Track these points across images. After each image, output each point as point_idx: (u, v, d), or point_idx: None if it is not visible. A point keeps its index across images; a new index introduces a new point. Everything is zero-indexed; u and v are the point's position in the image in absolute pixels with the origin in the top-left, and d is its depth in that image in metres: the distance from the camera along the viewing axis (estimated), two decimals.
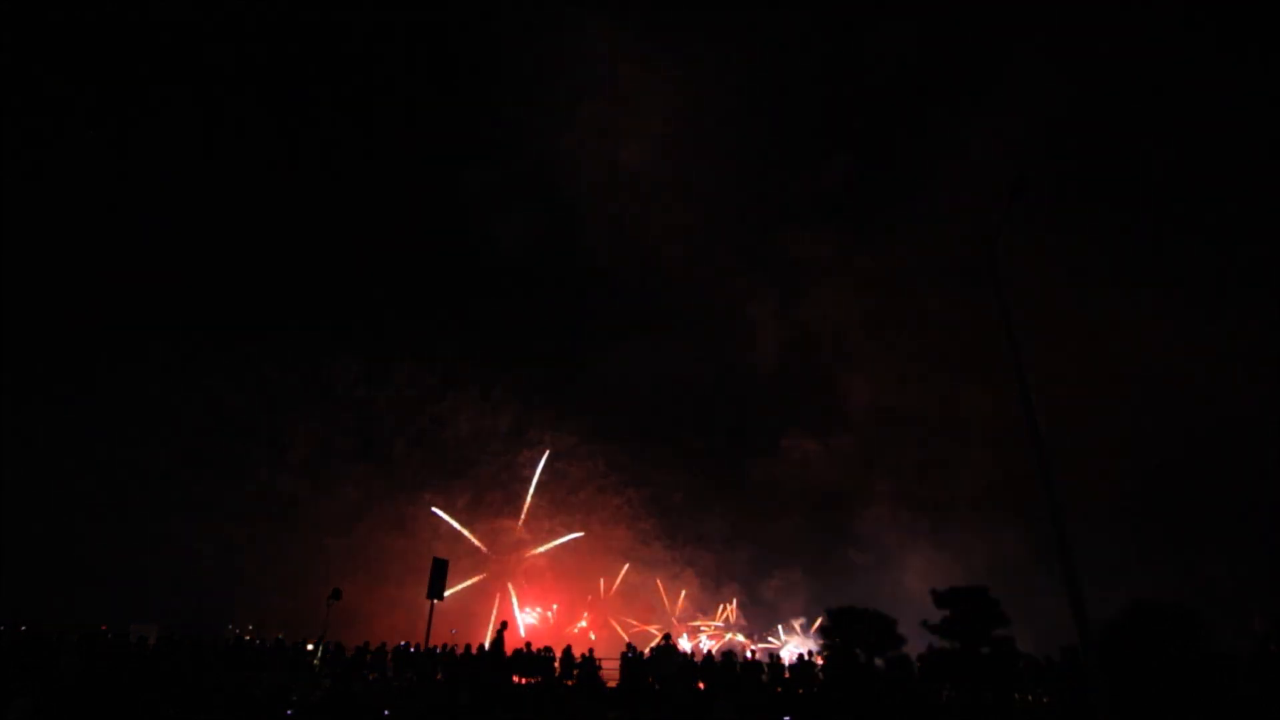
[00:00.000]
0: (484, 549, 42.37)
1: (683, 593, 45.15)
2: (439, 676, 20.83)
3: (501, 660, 21.64)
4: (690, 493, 49.58)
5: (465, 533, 42.22)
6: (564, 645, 23.69)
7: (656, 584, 44.95)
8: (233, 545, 42.47)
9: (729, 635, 43.68)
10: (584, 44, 58.61)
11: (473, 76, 60.13)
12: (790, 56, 57.21)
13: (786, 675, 21.37)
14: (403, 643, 24.48)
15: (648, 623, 43.34)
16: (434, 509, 42.52)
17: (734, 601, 45.21)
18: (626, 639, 35.02)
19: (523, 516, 43.66)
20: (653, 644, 28.19)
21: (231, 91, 54.69)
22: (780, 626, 43.88)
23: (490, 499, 44.01)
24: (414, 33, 59.50)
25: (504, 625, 21.19)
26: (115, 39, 49.33)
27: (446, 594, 17.05)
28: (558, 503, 45.72)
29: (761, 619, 44.51)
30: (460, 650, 22.08)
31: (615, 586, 44.35)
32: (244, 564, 42.02)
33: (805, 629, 42.57)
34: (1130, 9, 45.24)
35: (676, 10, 60.33)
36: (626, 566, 44.78)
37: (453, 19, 60.22)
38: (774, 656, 22.51)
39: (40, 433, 43.77)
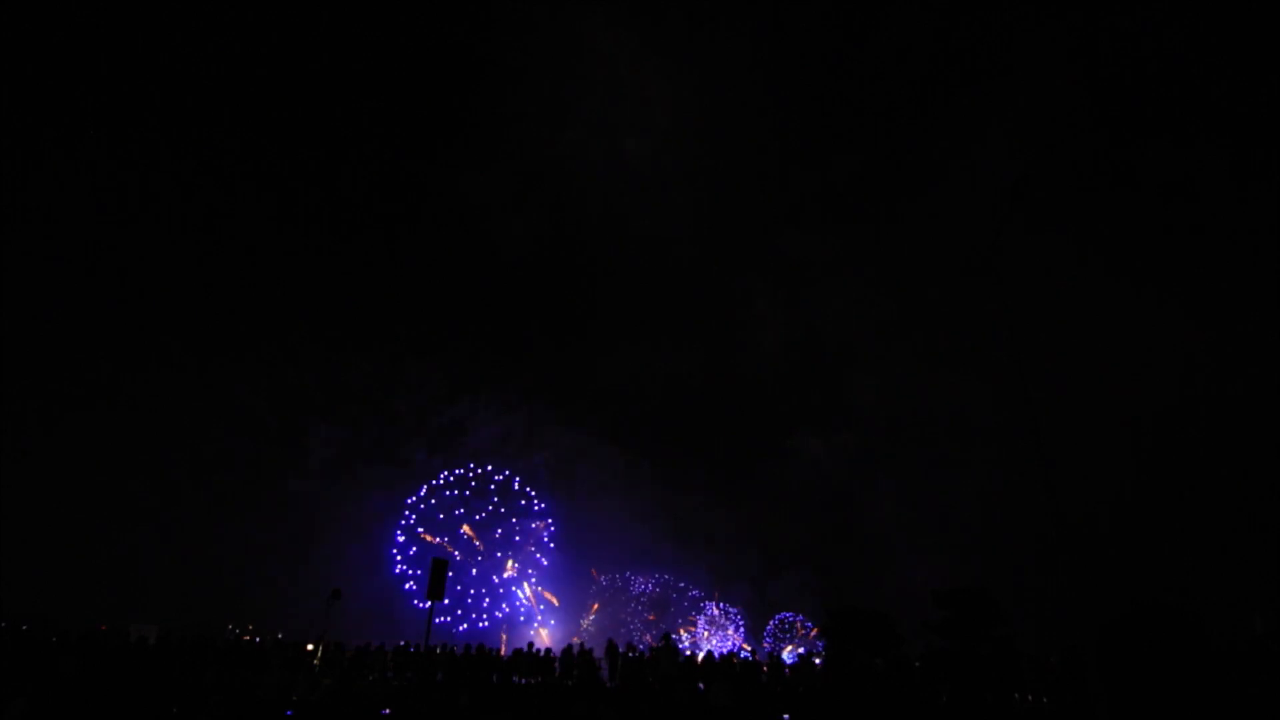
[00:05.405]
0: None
1: (689, 593, 45.22)
2: (439, 676, 20.85)
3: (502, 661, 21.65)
4: (699, 493, 49.81)
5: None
6: (566, 646, 23.74)
7: (663, 584, 45.04)
8: (246, 547, 42.58)
9: (731, 635, 43.70)
10: (587, 41, 58.75)
11: (478, 75, 60.13)
12: (796, 53, 57.20)
13: (786, 674, 21.40)
14: (402, 642, 24.53)
15: (653, 623, 43.42)
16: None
17: (738, 603, 45.28)
18: (629, 640, 35.04)
19: (537, 519, 43.64)
20: (653, 644, 28.18)
21: (237, 95, 54.74)
22: (774, 622, 43.96)
23: (505, 500, 43.95)
24: (416, 32, 59.56)
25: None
26: (123, 40, 49.43)
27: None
28: (569, 504, 45.77)
29: (768, 619, 44.62)
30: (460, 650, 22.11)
31: (623, 587, 44.45)
32: (256, 565, 42.08)
33: (808, 629, 42.59)
34: (1136, 7, 45.25)
35: (680, 5, 60.29)
36: (635, 566, 44.98)
37: (456, 19, 60.31)
38: (774, 656, 22.53)
39: (46, 433, 43.89)
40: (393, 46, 59.83)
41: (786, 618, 43.96)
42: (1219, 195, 41.96)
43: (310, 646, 23.67)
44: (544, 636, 40.81)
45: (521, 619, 41.21)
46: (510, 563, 41.84)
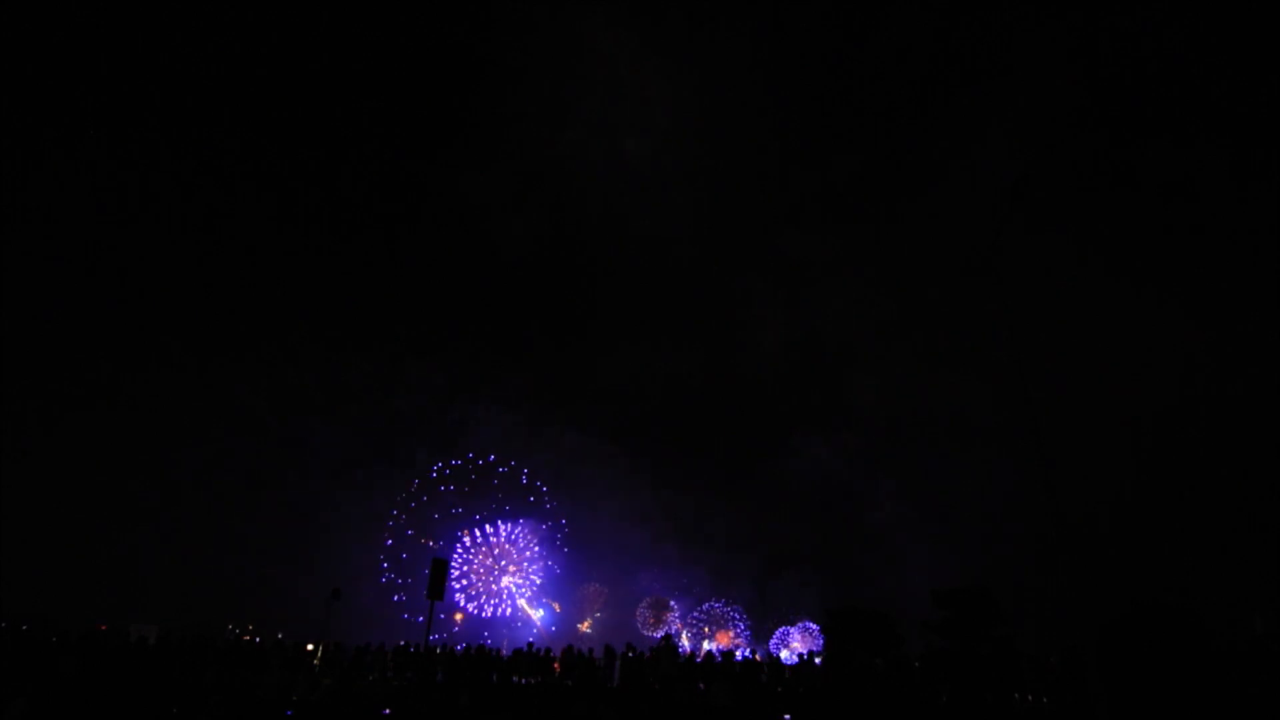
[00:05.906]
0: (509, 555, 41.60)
1: (693, 589, 45.17)
2: (439, 676, 20.84)
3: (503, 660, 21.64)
4: (700, 492, 49.81)
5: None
6: (567, 646, 23.72)
7: (665, 584, 45.00)
8: (246, 547, 42.54)
9: (732, 635, 43.65)
10: (587, 41, 58.79)
11: (478, 75, 60.23)
12: (796, 53, 57.25)
13: (787, 675, 21.38)
14: (402, 642, 24.50)
15: (654, 623, 43.31)
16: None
17: (738, 602, 45.17)
18: (629, 639, 34.85)
19: (548, 519, 43.12)
20: (654, 644, 28.16)
21: (237, 95, 54.78)
22: (771, 622, 43.94)
23: (508, 500, 43.67)
24: (416, 32, 59.61)
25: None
26: (124, 40, 49.42)
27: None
28: (569, 504, 45.57)
29: (769, 619, 44.55)
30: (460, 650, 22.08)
31: (624, 586, 44.35)
32: (256, 565, 42.02)
33: (809, 628, 42.52)
34: (1136, 6, 45.23)
35: (680, 5, 60.39)
36: (636, 566, 44.84)
37: (456, 19, 60.33)
38: (774, 656, 22.51)
39: (46, 433, 43.92)
40: (393, 46, 59.99)
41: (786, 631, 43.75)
42: (1219, 195, 41.98)
43: (310, 646, 23.67)
44: (536, 620, 40.19)
45: (520, 624, 40.64)
46: (511, 566, 40.94)
